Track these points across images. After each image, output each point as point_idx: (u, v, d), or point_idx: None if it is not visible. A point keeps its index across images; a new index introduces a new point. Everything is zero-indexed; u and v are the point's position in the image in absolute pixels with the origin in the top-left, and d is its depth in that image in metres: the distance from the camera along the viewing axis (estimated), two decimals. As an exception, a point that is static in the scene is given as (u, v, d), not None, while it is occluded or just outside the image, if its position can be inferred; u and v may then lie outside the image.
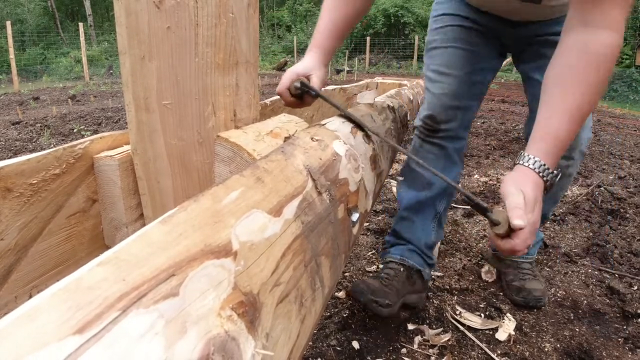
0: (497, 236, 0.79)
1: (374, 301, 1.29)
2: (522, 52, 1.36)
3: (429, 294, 1.52)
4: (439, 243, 1.56)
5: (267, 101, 1.21)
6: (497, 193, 2.55)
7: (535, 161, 0.83)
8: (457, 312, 1.42)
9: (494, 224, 0.80)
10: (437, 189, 1.40)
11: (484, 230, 2.07)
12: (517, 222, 0.75)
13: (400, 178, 1.51)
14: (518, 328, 1.35)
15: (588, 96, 0.83)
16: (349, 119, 0.93)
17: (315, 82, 0.99)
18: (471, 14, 1.34)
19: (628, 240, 1.98)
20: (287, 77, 1.00)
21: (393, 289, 1.34)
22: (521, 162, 0.85)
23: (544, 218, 1.49)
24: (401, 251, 1.45)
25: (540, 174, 0.83)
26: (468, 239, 1.98)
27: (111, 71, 15.26)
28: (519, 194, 0.79)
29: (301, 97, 0.99)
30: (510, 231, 0.77)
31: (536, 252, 1.66)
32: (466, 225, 2.11)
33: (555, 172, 0.85)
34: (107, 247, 0.84)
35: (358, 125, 0.93)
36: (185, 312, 0.29)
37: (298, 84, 0.98)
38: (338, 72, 14.58)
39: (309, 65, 1.03)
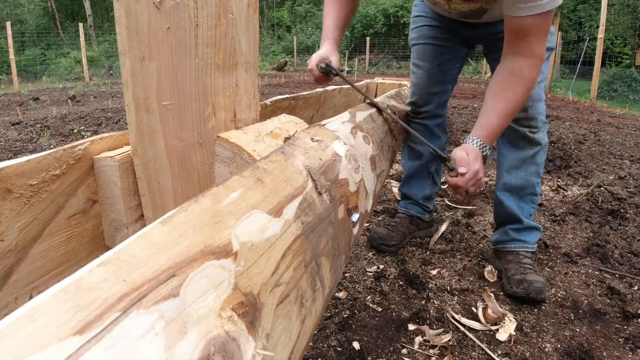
0: (451, 178, 1.19)
1: (382, 244, 1.82)
2: (486, 46, 1.67)
3: (430, 294, 1.52)
4: (435, 194, 2.03)
5: (267, 101, 1.21)
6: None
7: (477, 141, 1.23)
8: (458, 313, 1.42)
9: (450, 169, 1.19)
10: (427, 157, 1.86)
11: (484, 230, 2.07)
12: (461, 169, 1.18)
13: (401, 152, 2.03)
14: (518, 328, 1.35)
15: (511, 103, 1.23)
16: (366, 98, 1.26)
17: (334, 63, 1.37)
18: (437, 16, 1.67)
19: (628, 240, 1.98)
20: (315, 59, 1.37)
21: (399, 233, 1.86)
22: (468, 142, 1.24)
23: (533, 193, 1.67)
24: (405, 204, 1.99)
25: (480, 149, 1.22)
26: (468, 239, 1.98)
27: (111, 71, 15.26)
28: (464, 152, 1.19)
29: (326, 74, 1.36)
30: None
31: (535, 243, 1.67)
32: (466, 226, 2.11)
33: (489, 147, 1.25)
34: (108, 248, 0.84)
35: (374, 105, 1.23)
36: (185, 312, 0.29)
37: (324, 65, 1.35)
38: (338, 72, 14.53)
39: (327, 52, 1.39)
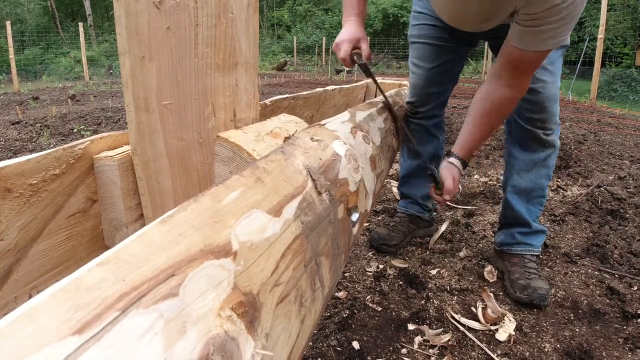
0: (437, 194, 1.40)
1: (383, 244, 1.82)
2: (490, 43, 1.65)
3: (430, 294, 1.52)
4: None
5: (267, 101, 1.21)
6: (497, 193, 2.55)
7: (459, 159, 1.40)
8: (457, 313, 1.42)
9: (438, 189, 1.39)
10: (425, 157, 1.80)
11: (484, 230, 2.07)
12: (446, 196, 1.38)
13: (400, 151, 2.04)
14: (518, 328, 1.35)
15: (490, 125, 1.39)
16: (388, 105, 1.35)
17: (364, 49, 1.32)
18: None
19: (628, 240, 1.98)
20: (347, 46, 1.30)
21: (399, 233, 1.87)
22: (452, 160, 1.40)
23: (542, 195, 1.67)
24: (404, 204, 1.99)
25: (461, 166, 1.40)
26: (468, 239, 1.98)
27: (111, 71, 15.26)
28: (451, 178, 1.36)
29: (354, 63, 1.31)
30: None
31: (540, 246, 1.67)
32: (466, 226, 2.11)
33: (467, 162, 1.42)
34: (107, 248, 0.83)
35: (391, 112, 1.33)
36: (185, 312, 0.29)
37: (360, 61, 1.27)
38: (338, 72, 14.53)
39: (357, 34, 1.32)
